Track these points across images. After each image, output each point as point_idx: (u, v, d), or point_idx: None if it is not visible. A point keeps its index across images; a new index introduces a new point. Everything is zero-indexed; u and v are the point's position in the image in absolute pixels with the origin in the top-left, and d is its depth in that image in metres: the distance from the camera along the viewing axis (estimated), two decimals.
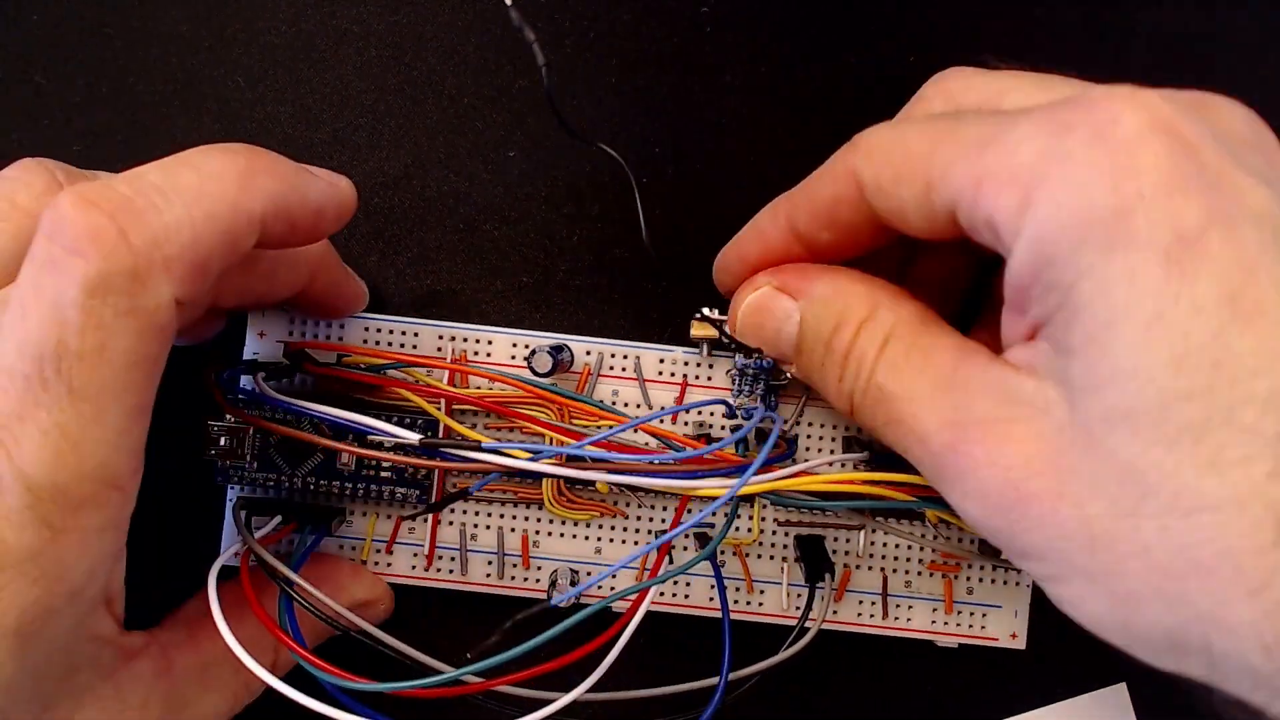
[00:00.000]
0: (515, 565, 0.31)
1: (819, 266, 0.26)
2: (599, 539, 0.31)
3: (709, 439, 0.31)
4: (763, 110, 0.33)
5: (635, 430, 0.29)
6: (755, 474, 0.26)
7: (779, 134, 0.33)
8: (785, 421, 0.30)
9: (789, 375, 0.30)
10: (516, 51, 0.33)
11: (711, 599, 0.31)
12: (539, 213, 0.33)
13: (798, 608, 0.30)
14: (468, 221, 0.33)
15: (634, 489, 0.30)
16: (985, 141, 0.20)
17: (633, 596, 0.27)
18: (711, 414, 0.31)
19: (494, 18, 0.33)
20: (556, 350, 0.30)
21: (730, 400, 0.31)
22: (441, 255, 0.33)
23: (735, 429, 0.30)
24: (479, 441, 0.26)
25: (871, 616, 0.31)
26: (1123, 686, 0.33)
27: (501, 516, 0.31)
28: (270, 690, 0.25)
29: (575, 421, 0.30)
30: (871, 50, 0.33)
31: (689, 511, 0.29)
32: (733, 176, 0.33)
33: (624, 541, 0.31)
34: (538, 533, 0.31)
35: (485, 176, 0.33)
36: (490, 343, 0.31)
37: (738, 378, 0.30)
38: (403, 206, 0.33)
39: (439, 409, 0.29)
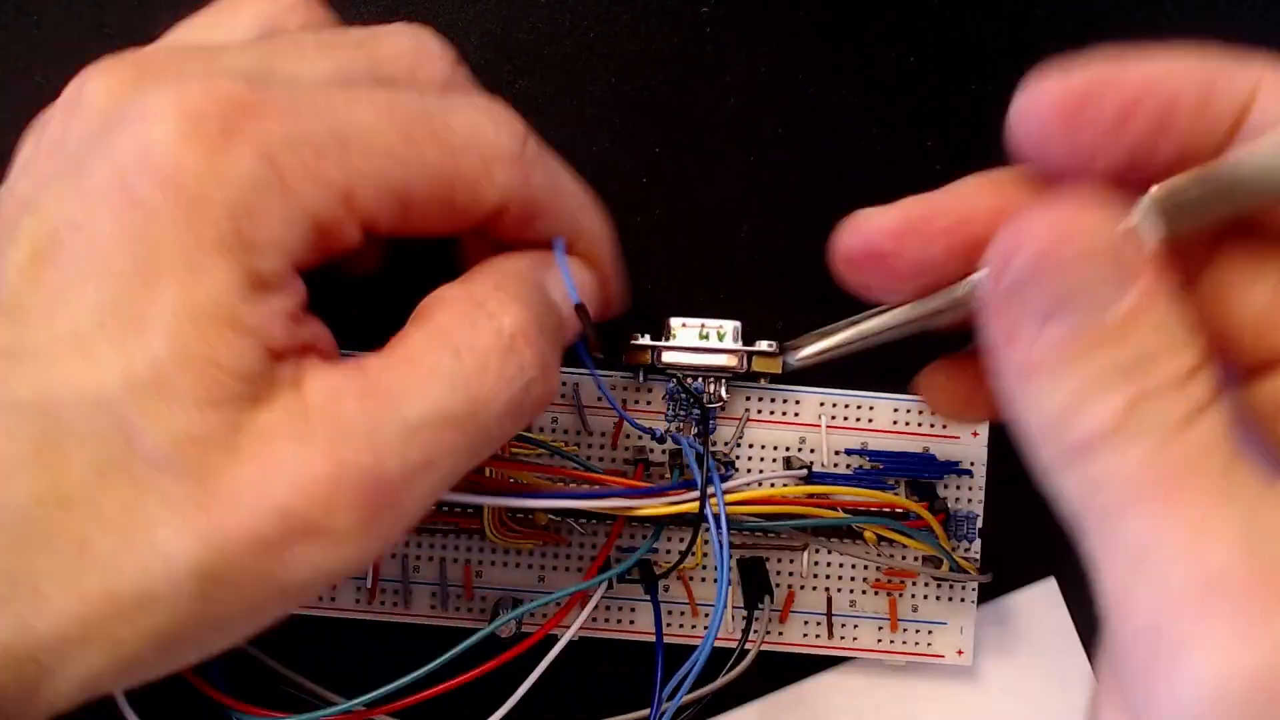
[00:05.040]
0: (458, 596, 0.31)
1: None
2: (542, 568, 0.31)
3: (646, 464, 0.31)
4: (763, 110, 0.33)
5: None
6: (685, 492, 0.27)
7: (779, 134, 0.33)
8: (719, 445, 0.31)
9: (724, 397, 0.30)
10: (517, 51, 0.33)
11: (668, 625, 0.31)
12: None
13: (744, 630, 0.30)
14: None
15: (574, 514, 0.30)
16: None
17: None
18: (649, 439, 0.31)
19: (494, 17, 0.33)
20: None
21: (665, 423, 0.31)
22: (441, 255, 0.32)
23: (671, 454, 0.30)
24: None
25: (818, 637, 0.31)
26: (1052, 580, 0.33)
27: (444, 547, 0.31)
28: None
29: (513, 451, 0.29)
30: (872, 51, 0.33)
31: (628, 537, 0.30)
32: (733, 176, 0.33)
33: (567, 569, 0.31)
34: (480, 563, 0.31)
35: None
36: None
37: (670, 402, 0.30)
38: None
39: None
